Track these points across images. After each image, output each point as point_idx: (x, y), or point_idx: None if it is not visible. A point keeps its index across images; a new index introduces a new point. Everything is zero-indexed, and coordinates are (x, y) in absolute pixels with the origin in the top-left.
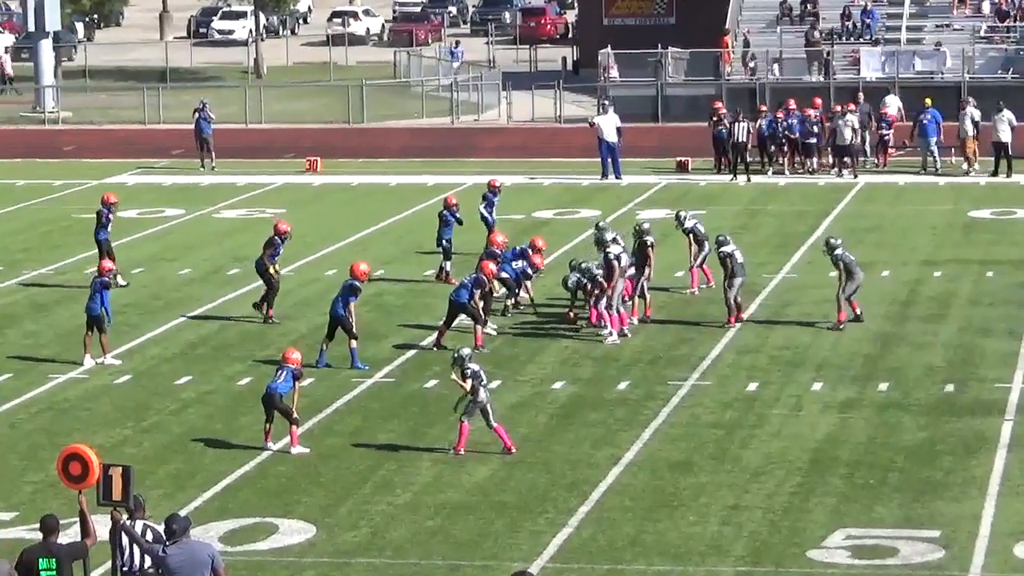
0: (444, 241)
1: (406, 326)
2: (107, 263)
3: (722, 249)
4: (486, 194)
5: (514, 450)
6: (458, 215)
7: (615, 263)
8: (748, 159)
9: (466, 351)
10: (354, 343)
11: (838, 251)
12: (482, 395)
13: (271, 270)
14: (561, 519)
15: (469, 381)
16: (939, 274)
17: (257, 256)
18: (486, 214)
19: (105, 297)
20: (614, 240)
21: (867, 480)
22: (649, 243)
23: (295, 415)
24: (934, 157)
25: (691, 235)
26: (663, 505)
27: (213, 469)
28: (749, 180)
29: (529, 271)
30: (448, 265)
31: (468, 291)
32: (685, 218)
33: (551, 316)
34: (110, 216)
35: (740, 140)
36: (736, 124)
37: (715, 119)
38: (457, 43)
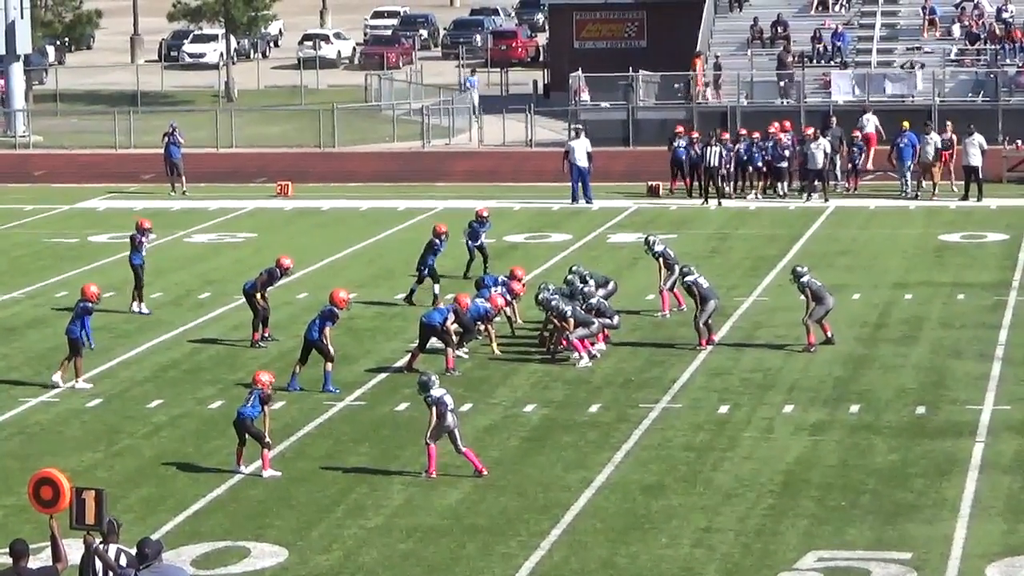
0: (426, 267)
1: (377, 349)
2: (92, 287)
3: (686, 279)
4: (472, 222)
5: (485, 472)
6: (444, 245)
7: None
8: (720, 184)
9: (430, 377)
10: (329, 366)
11: (804, 278)
12: (449, 419)
13: (258, 296)
14: (533, 542)
15: (434, 408)
16: (910, 297)
17: (249, 280)
18: (469, 242)
19: (86, 322)
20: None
21: (839, 502)
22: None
23: (267, 439)
24: (905, 180)
25: (660, 259)
26: (635, 528)
27: (185, 493)
28: (720, 204)
29: (491, 313)
30: (437, 288)
31: (443, 315)
32: (654, 242)
33: (522, 339)
34: (143, 241)
35: (712, 164)
36: (708, 148)
37: (682, 143)
38: (473, 71)
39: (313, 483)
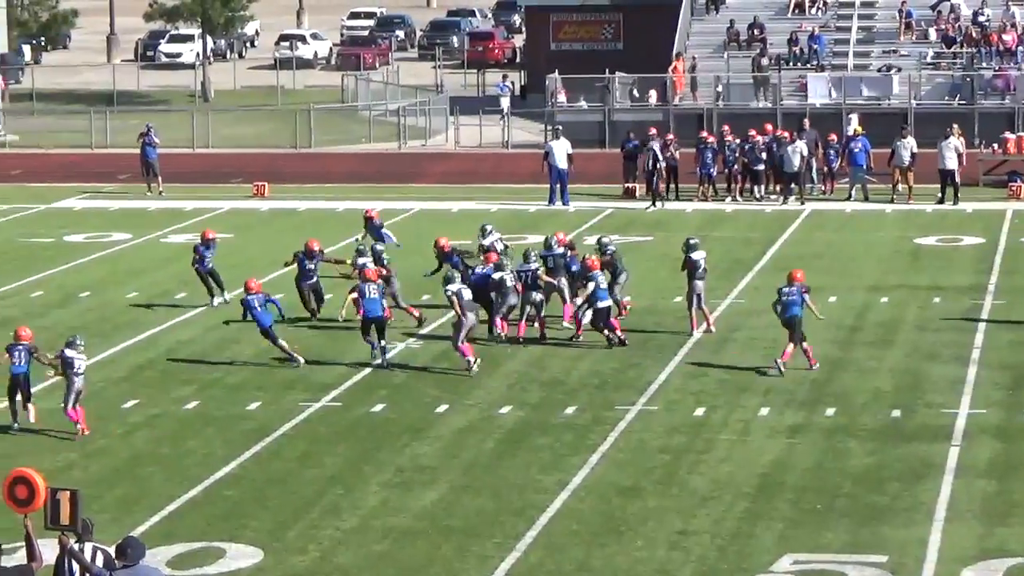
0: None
1: (352, 350)
2: (252, 282)
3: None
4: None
5: (87, 432)
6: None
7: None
8: (679, 184)
9: (75, 339)
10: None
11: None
12: (78, 383)
13: (342, 266)
14: (509, 544)
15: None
16: (886, 300)
17: (307, 277)
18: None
19: (276, 303)
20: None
21: (814, 505)
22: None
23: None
24: (861, 185)
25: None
26: (611, 530)
27: (160, 493)
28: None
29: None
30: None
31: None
32: (488, 230)
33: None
34: (206, 253)
35: (670, 166)
36: (658, 152)
37: (655, 145)
38: (505, 76)
39: (289, 484)
